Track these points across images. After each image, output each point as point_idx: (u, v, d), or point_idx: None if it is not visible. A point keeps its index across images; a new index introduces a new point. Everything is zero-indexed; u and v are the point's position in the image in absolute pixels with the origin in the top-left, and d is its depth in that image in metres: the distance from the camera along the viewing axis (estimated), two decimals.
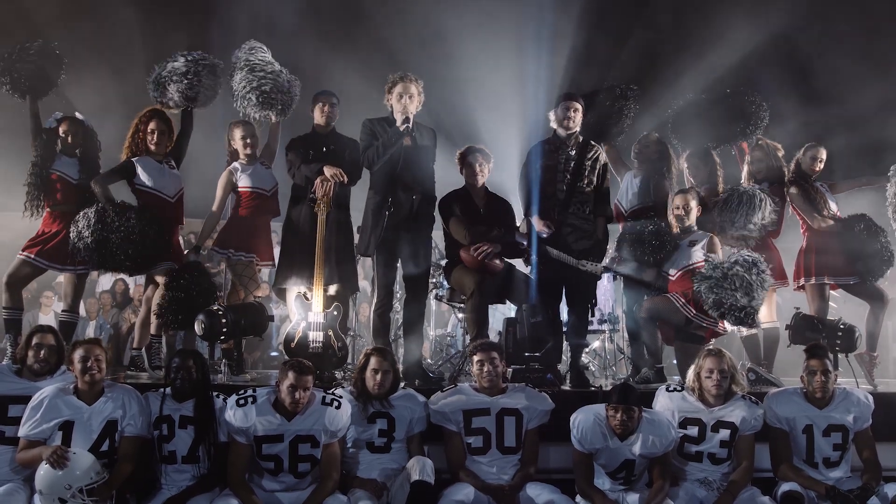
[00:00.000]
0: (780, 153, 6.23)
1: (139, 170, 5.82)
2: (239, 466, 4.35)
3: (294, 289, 5.70)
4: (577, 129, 5.78)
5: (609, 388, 5.36)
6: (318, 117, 5.91)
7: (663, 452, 4.48)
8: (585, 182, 5.70)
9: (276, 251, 6.23)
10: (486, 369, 4.66)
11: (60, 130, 5.88)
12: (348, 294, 5.92)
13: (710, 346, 4.91)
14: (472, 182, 5.80)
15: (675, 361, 6.15)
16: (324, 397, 4.45)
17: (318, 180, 5.58)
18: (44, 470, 4.07)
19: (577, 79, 6.46)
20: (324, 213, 5.56)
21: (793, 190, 6.13)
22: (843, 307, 6.80)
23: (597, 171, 5.75)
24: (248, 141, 6.10)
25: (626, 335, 6.44)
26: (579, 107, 5.75)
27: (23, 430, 4.24)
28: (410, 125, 5.57)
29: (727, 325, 5.74)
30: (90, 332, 8.64)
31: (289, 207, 5.95)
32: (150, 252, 5.61)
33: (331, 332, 5.43)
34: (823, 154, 6.19)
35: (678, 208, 5.79)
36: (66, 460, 4.07)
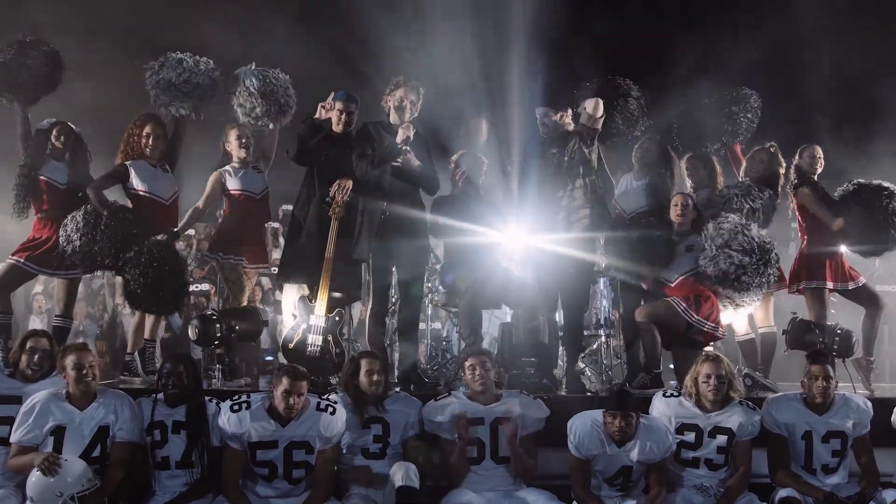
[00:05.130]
0: (782, 169, 6.17)
1: (133, 174, 5.80)
2: (233, 472, 4.32)
3: (291, 290, 5.66)
4: (559, 131, 5.77)
5: (605, 393, 5.34)
6: (335, 124, 5.74)
7: (661, 459, 4.46)
8: (569, 165, 5.70)
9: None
10: (478, 373, 4.63)
11: (52, 133, 5.83)
12: (349, 301, 5.88)
13: (708, 352, 4.89)
14: None
15: (672, 366, 6.13)
16: (318, 403, 4.41)
17: (336, 183, 5.52)
18: (35, 477, 4.03)
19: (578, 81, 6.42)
20: (338, 216, 5.50)
21: (805, 191, 6.03)
22: (839, 311, 6.81)
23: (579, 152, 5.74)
24: (244, 141, 6.05)
25: (622, 340, 6.40)
26: (551, 112, 5.76)
27: (15, 436, 4.21)
28: (409, 144, 5.50)
29: (725, 330, 5.72)
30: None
31: (295, 204, 5.86)
32: None
33: (330, 338, 5.39)
34: (820, 152, 6.14)
35: (676, 206, 5.77)
36: (58, 467, 4.02)
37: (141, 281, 5.45)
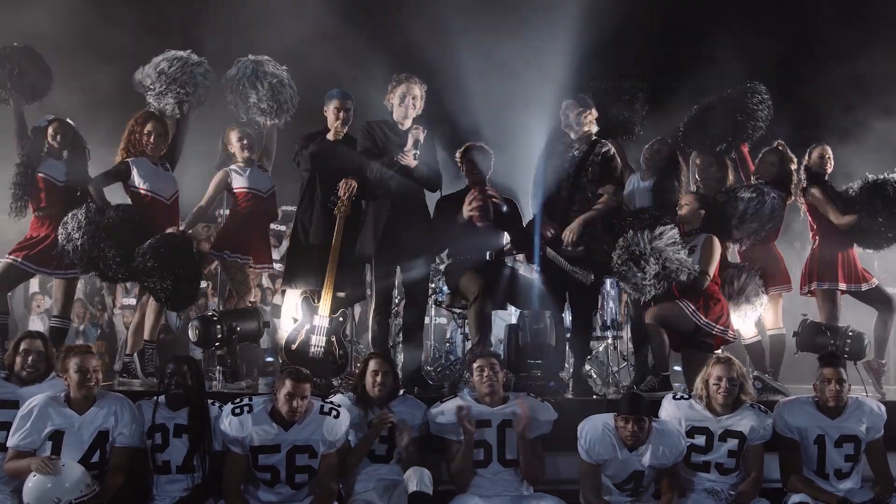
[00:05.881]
0: (794, 165, 6.10)
1: (134, 171, 5.72)
2: (234, 477, 4.23)
3: (294, 291, 5.58)
4: (586, 129, 5.69)
5: (612, 396, 5.25)
6: (332, 123, 5.67)
7: (673, 463, 4.37)
8: (589, 178, 5.60)
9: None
10: (486, 374, 4.54)
11: (49, 130, 5.74)
12: (353, 301, 5.81)
13: (720, 354, 4.79)
14: (474, 179, 5.71)
15: (677, 368, 6.05)
16: (322, 406, 4.33)
17: (343, 181, 5.43)
18: (32, 482, 3.94)
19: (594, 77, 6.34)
20: (344, 215, 5.41)
21: (814, 191, 5.96)
22: (847, 313, 6.72)
23: (600, 164, 5.63)
24: (246, 142, 5.97)
25: (630, 342, 6.31)
26: (580, 108, 5.66)
27: (12, 440, 4.12)
28: (419, 151, 5.40)
29: (736, 332, 5.62)
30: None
31: (298, 207, 5.80)
32: None
33: (333, 339, 5.31)
34: (829, 151, 6.08)
35: (680, 208, 5.68)
36: (57, 468, 3.93)
37: (157, 275, 5.36)
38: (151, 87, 5.86)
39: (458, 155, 5.84)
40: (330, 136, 5.62)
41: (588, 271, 5.47)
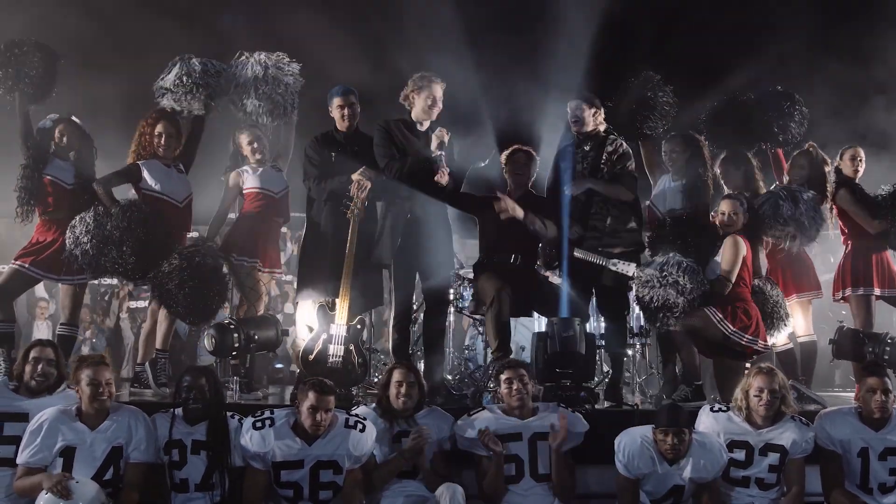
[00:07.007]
0: (827, 167, 5.93)
1: (145, 173, 5.55)
2: (255, 494, 4.06)
3: (309, 299, 5.39)
4: (591, 128, 5.54)
5: (643, 406, 5.08)
6: (339, 122, 5.53)
7: (714, 477, 4.20)
8: (604, 177, 5.46)
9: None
10: (515, 387, 4.36)
11: (56, 131, 5.57)
12: (370, 307, 5.63)
13: (762, 364, 4.59)
14: (517, 182, 5.57)
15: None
16: (347, 419, 4.15)
17: (353, 184, 5.24)
18: (43, 500, 3.76)
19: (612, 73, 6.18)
20: (357, 219, 5.22)
21: (843, 193, 5.81)
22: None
23: (614, 161, 5.48)
24: (256, 146, 5.83)
25: (658, 351, 6.12)
26: (584, 106, 5.51)
27: (21, 457, 3.95)
28: (444, 152, 5.24)
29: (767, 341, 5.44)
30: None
31: (307, 212, 5.63)
32: (156, 255, 5.29)
33: (352, 347, 5.11)
34: (862, 153, 5.94)
35: (724, 214, 5.46)
36: (69, 490, 3.74)
37: (179, 288, 5.21)
38: (176, 90, 5.67)
39: (503, 157, 5.66)
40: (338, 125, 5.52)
41: (627, 262, 5.29)
